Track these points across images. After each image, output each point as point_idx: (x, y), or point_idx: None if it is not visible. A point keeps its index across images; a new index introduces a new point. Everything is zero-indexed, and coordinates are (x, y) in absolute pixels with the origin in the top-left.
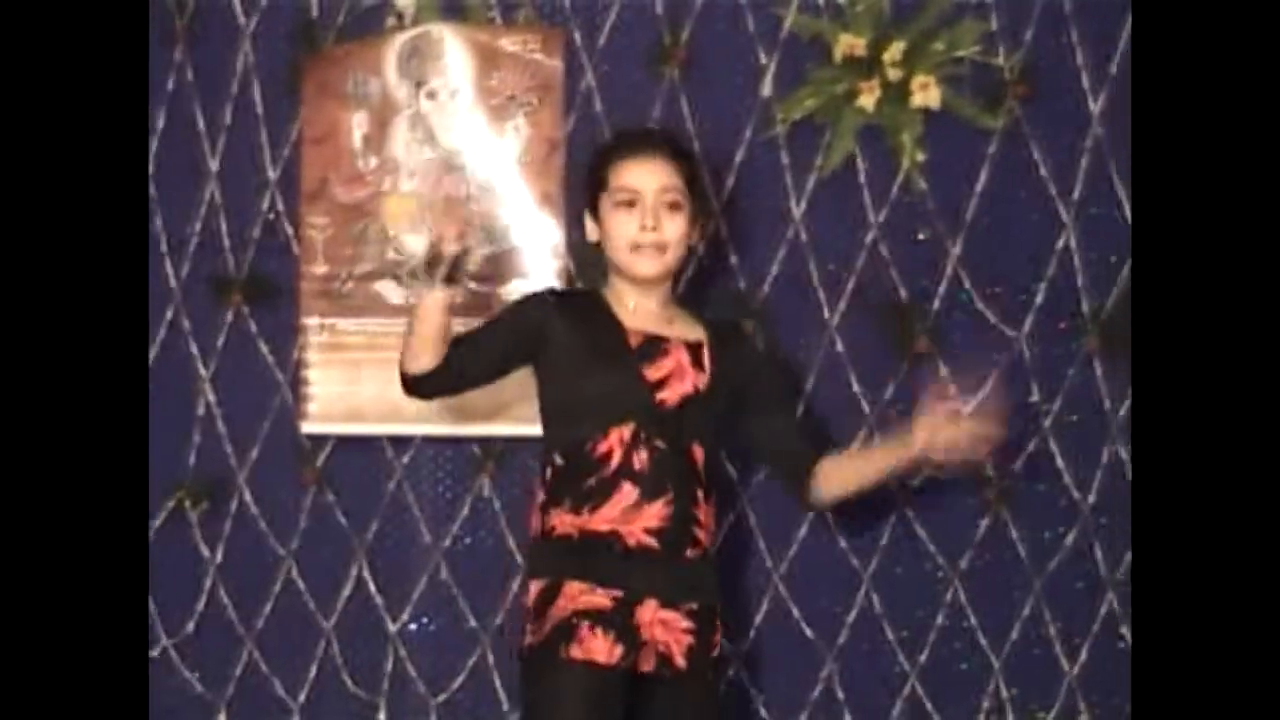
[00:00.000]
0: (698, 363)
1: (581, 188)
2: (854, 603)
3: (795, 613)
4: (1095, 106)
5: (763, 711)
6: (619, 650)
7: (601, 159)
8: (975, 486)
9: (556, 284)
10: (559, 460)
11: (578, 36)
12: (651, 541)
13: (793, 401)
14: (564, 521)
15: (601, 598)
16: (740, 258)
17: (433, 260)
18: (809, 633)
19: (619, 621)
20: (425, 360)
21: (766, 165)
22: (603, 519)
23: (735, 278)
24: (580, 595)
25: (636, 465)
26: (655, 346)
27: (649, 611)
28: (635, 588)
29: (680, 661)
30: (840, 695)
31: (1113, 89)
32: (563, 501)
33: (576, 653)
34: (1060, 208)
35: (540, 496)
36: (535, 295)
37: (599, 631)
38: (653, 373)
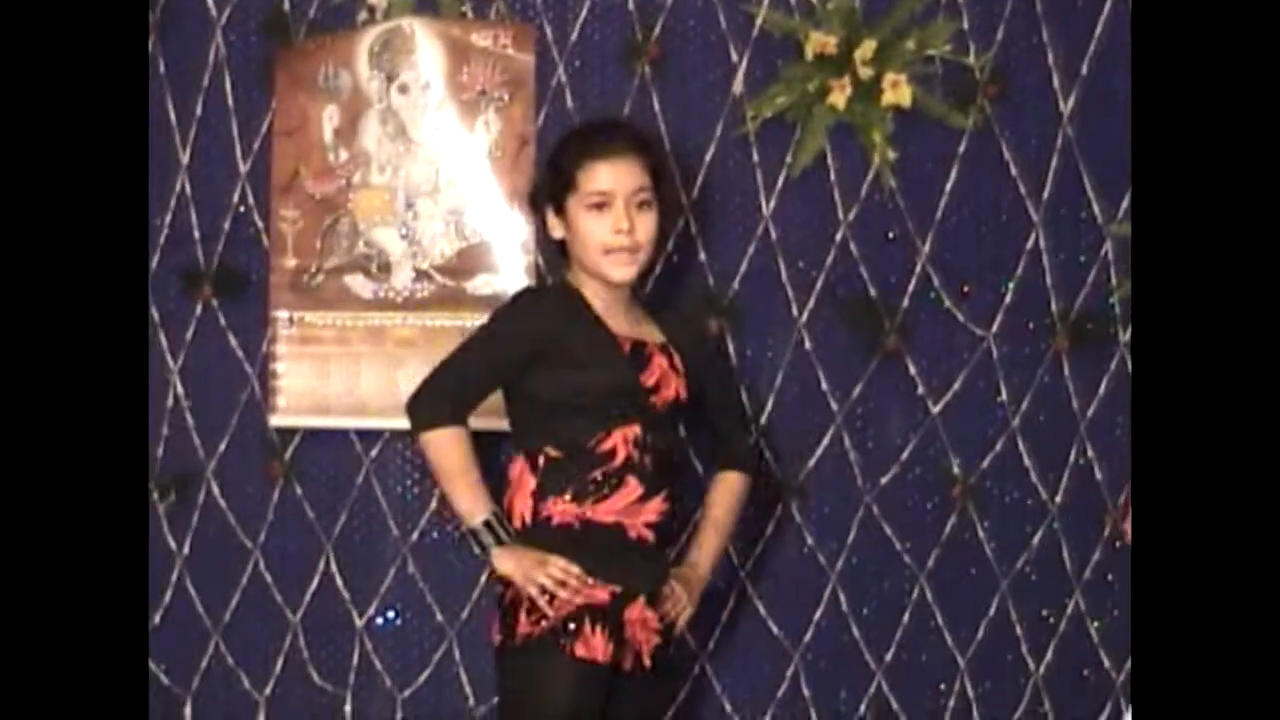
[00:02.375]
0: (674, 368)
1: (543, 183)
2: (821, 600)
3: (762, 610)
4: (1065, 106)
5: (728, 708)
6: (611, 648)
7: (569, 158)
8: (943, 485)
9: (525, 279)
10: (554, 453)
11: (549, 32)
12: (650, 535)
13: (736, 393)
14: (564, 511)
15: (601, 591)
16: (710, 255)
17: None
18: (776, 630)
19: (613, 620)
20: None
21: (737, 163)
22: (607, 510)
23: (705, 275)
24: (580, 588)
25: (640, 462)
26: (641, 351)
27: (636, 610)
28: (630, 584)
29: (647, 661)
30: (806, 693)
31: (1083, 89)
32: (562, 492)
33: (581, 650)
34: (1030, 207)
35: (530, 485)
36: (521, 307)
37: (599, 630)
38: (647, 377)
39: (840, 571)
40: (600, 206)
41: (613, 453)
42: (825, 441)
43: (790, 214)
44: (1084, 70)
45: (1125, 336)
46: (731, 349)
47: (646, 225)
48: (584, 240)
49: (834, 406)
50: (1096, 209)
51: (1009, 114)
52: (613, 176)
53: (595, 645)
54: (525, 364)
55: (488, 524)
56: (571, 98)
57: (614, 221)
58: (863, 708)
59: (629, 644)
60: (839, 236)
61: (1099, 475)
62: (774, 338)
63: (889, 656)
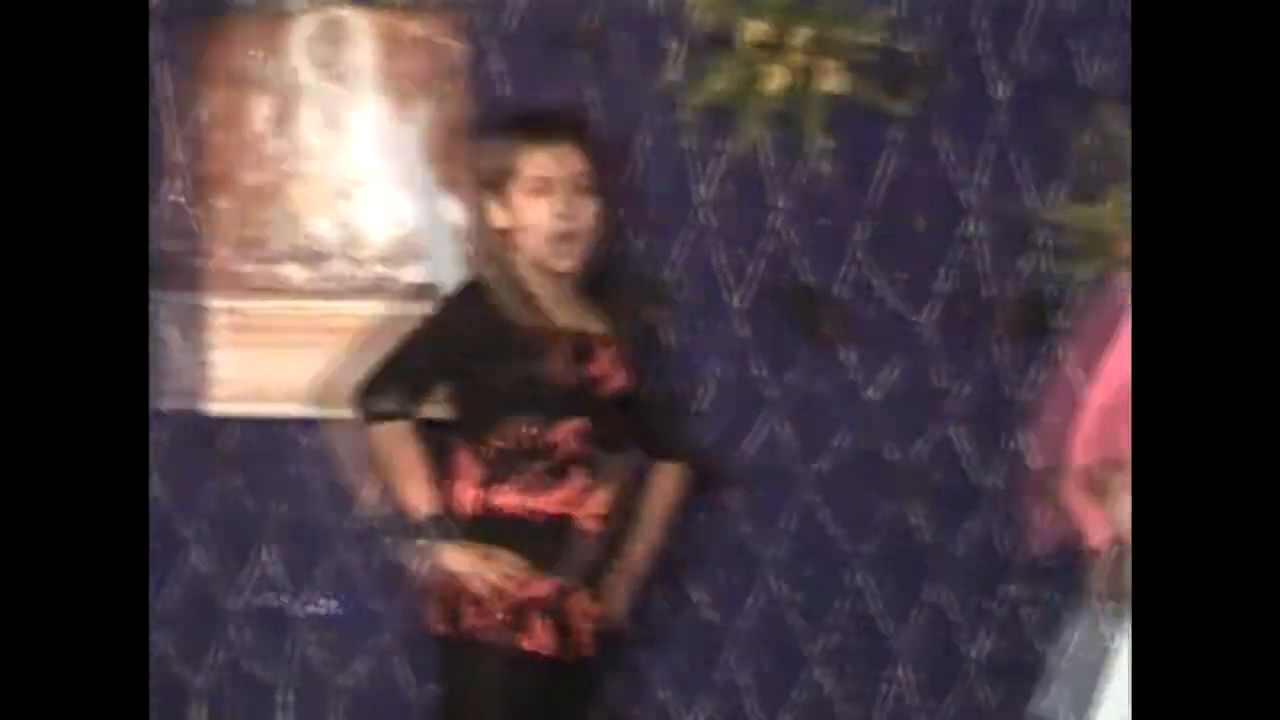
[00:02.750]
0: (618, 358)
1: (483, 169)
2: (756, 586)
3: (696, 598)
4: (1000, 93)
5: (660, 695)
6: (555, 641)
7: (511, 144)
8: (879, 472)
9: (459, 268)
10: (500, 444)
11: (484, 21)
12: (595, 526)
13: (669, 382)
14: (511, 501)
15: (545, 584)
16: (645, 242)
17: None
18: (712, 618)
19: (557, 611)
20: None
21: (672, 150)
22: (554, 501)
23: (640, 262)
24: (528, 581)
25: (586, 454)
26: (585, 343)
27: (579, 601)
28: (575, 576)
29: (589, 651)
30: (741, 681)
31: (1017, 75)
32: (509, 482)
33: (527, 644)
34: (965, 194)
35: (476, 475)
36: (467, 298)
37: (544, 622)
38: (592, 369)
39: (776, 559)
40: (542, 192)
41: (559, 444)
42: (760, 429)
43: (725, 201)
44: (1020, 57)
45: (1063, 322)
46: (666, 336)
47: (588, 210)
48: (527, 226)
49: (769, 394)
50: (1034, 194)
51: (944, 101)
52: (554, 161)
53: (540, 638)
54: (472, 355)
55: (437, 518)
56: (507, 86)
57: (557, 206)
58: (796, 694)
59: (572, 635)
60: (774, 224)
61: (1039, 460)
62: (708, 325)
63: (825, 644)
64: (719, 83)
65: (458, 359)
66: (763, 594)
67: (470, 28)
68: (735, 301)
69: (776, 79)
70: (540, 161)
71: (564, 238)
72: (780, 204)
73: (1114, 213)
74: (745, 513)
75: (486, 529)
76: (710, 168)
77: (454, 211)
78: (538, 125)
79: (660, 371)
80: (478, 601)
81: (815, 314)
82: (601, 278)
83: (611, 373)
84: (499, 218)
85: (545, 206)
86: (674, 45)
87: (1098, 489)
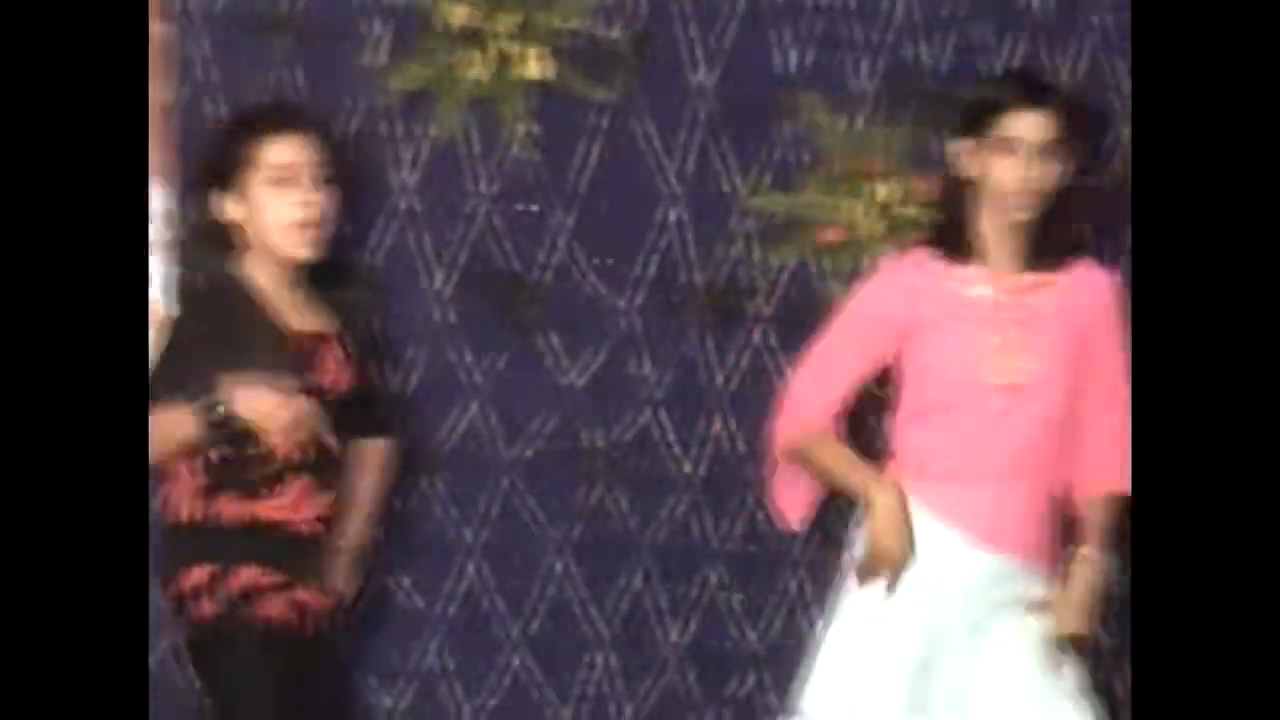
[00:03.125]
0: (343, 359)
1: (213, 161)
2: (461, 573)
3: (405, 583)
4: (704, 79)
5: (374, 683)
6: (294, 616)
7: (246, 134)
8: (579, 458)
9: (162, 257)
10: (221, 450)
11: (190, 3)
12: (320, 529)
13: (380, 366)
14: (232, 509)
15: (274, 577)
16: (352, 228)
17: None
18: (417, 602)
19: (287, 593)
20: None
21: (376, 135)
22: (275, 507)
23: (347, 249)
24: (256, 576)
25: (308, 459)
26: (315, 345)
27: (305, 593)
28: (301, 577)
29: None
30: (449, 665)
31: (722, 62)
32: (228, 489)
33: (258, 617)
34: (668, 180)
35: (196, 483)
36: (185, 310)
37: (275, 598)
38: (319, 375)
39: (481, 544)
40: (284, 182)
41: (277, 451)
42: (461, 415)
43: (430, 187)
44: (723, 44)
45: (766, 309)
46: (371, 322)
47: (328, 200)
48: (268, 218)
49: (477, 379)
50: (737, 181)
51: (649, 88)
52: (296, 150)
53: (274, 611)
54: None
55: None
56: (213, 70)
57: (301, 194)
58: (504, 680)
59: (306, 613)
60: (476, 209)
61: (739, 447)
62: (413, 310)
63: (524, 629)
64: (424, 68)
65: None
66: (462, 580)
67: (177, 11)
68: (437, 287)
69: (478, 65)
70: (281, 151)
71: (305, 227)
72: (482, 189)
73: (813, 200)
74: (445, 498)
75: (210, 537)
76: (411, 153)
77: (160, 198)
78: (278, 113)
79: (379, 363)
80: (210, 586)
81: (516, 300)
82: (325, 267)
83: (339, 376)
84: (230, 211)
85: (286, 196)
86: (377, 29)
87: (794, 470)
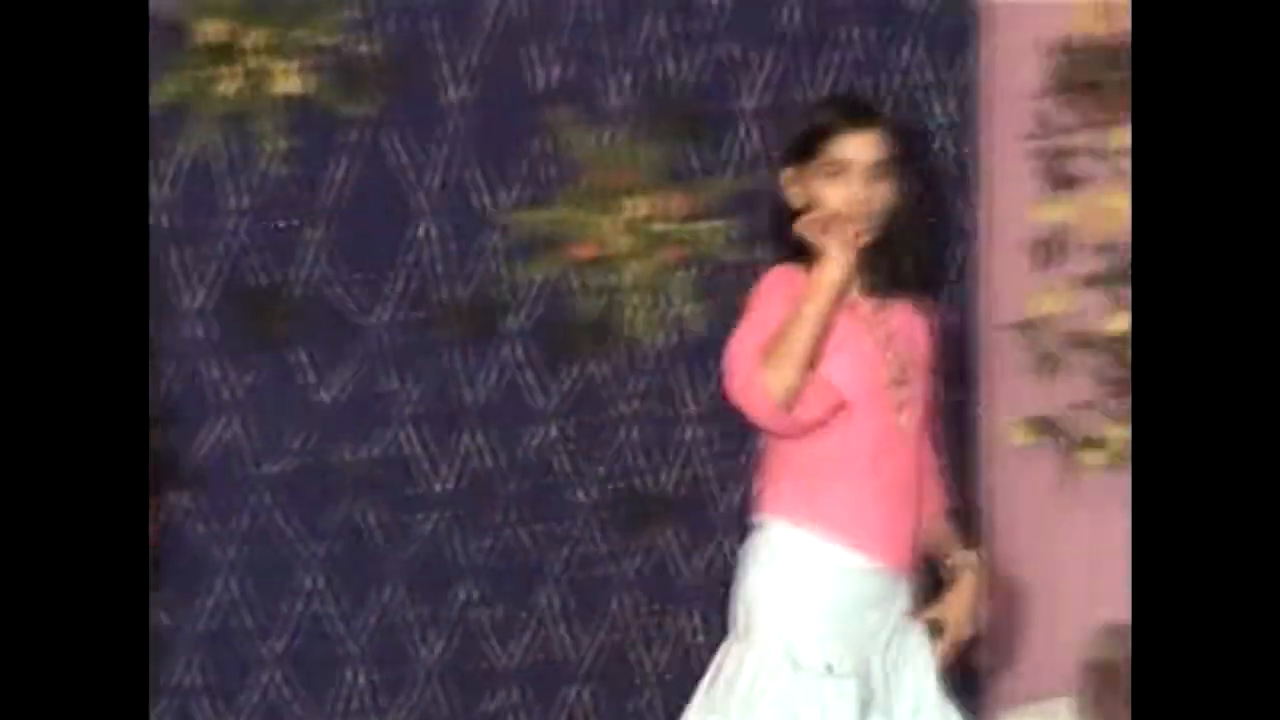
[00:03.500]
0: None
1: None
2: (213, 590)
3: (155, 599)
4: (458, 95)
5: None
6: None
7: None
8: (331, 474)
9: None
10: None
11: None
12: None
13: None
14: None
15: None
16: None
17: None
18: (168, 619)
19: None
20: None
21: None
22: None
23: None
24: None
25: None
26: None
27: None
28: None
29: None
30: (201, 682)
31: (473, 79)
32: None
33: None
34: (421, 196)
35: None
36: None
37: None
38: None
39: (232, 560)
40: None
41: None
42: (213, 430)
43: (181, 203)
44: (476, 60)
45: (519, 325)
46: None
47: None
48: None
49: (227, 395)
50: (485, 197)
51: (402, 104)
52: None
53: None
54: None
55: None
56: None
57: None
58: (255, 697)
59: None
60: (227, 225)
61: (489, 462)
62: (163, 326)
63: (276, 646)
64: (173, 83)
65: None
66: (213, 596)
67: None
68: (189, 302)
69: (231, 80)
70: None
71: None
72: (234, 205)
73: (565, 216)
74: (198, 514)
75: None
76: (166, 168)
77: None
78: None
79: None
80: None
81: (270, 316)
82: None
83: None
84: None
85: None
86: None
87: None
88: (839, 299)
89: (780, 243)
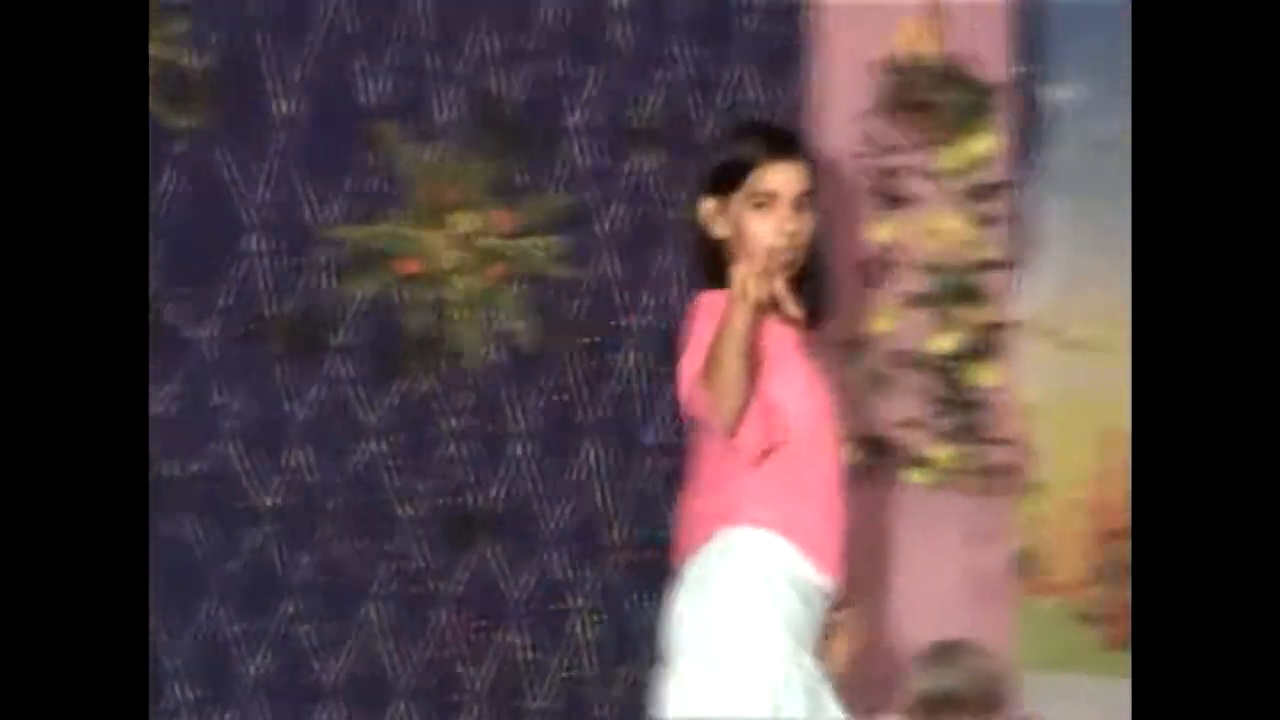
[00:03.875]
0: None
1: None
2: None
3: None
4: (287, 109)
5: None
6: None
7: None
8: (161, 488)
9: None
10: None
11: None
12: None
13: None
14: None
15: None
16: None
17: None
18: None
19: None
20: None
21: None
22: None
23: None
24: None
25: None
26: None
27: None
28: None
29: None
30: None
31: (304, 93)
32: None
33: None
34: (249, 210)
35: None
36: None
37: None
38: None
39: None
40: None
41: None
42: None
43: None
44: (305, 74)
45: (345, 340)
46: None
47: None
48: None
49: None
50: (316, 210)
51: (231, 117)
52: None
53: None
54: None
55: None
56: None
57: None
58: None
59: None
60: None
61: (315, 477)
62: None
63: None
64: None
65: None
66: None
67: None
68: None
69: None
70: None
71: None
72: None
73: (393, 231)
74: None
75: None
76: None
77: None
78: None
79: None
80: None
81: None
82: None
83: None
84: None
85: None
86: None
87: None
88: (755, 324)
89: (708, 275)
